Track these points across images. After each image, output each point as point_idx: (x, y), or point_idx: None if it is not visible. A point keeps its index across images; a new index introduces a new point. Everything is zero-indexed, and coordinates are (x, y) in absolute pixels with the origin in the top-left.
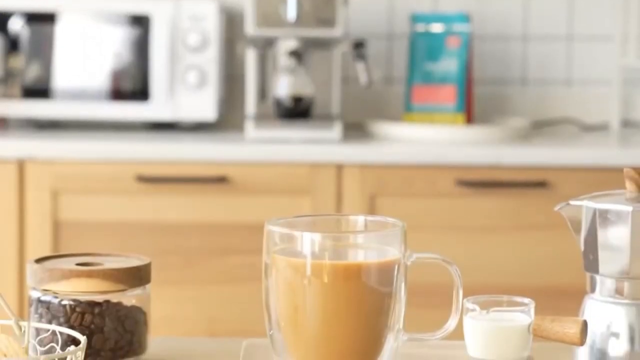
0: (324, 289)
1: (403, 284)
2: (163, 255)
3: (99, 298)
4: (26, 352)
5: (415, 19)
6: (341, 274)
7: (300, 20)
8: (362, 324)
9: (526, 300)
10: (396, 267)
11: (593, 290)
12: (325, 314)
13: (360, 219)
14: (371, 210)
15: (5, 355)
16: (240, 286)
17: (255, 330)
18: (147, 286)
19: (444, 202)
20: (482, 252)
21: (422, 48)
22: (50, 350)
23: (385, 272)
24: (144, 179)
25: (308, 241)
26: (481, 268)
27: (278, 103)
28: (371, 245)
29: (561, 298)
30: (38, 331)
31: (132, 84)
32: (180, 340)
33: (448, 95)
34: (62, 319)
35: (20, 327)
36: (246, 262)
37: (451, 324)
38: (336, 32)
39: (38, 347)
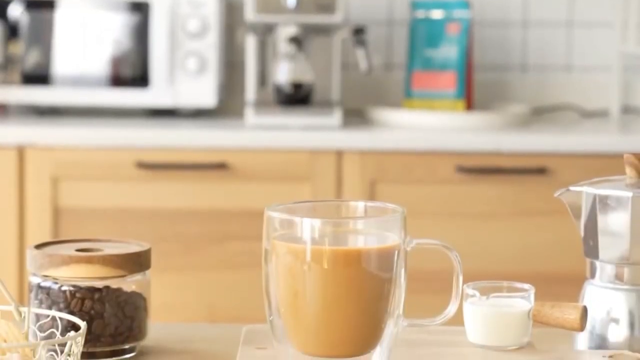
0: (324, 275)
1: (403, 270)
2: (163, 241)
3: (99, 284)
4: (26, 337)
5: (415, 5)
6: (341, 259)
7: (300, 7)
8: (362, 309)
9: (526, 286)
10: (396, 252)
11: (593, 276)
12: (325, 300)
13: (360, 205)
14: (371, 196)
15: (5, 341)
16: (240, 272)
17: (255, 317)
18: (147, 272)
19: (443, 189)
20: (482, 239)
21: (422, 34)
22: (50, 336)
23: (385, 257)
24: (144, 166)
25: (308, 227)
26: (481, 254)
27: (278, 89)
28: (371, 231)
29: (561, 284)
30: (38, 317)
31: (132, 71)
32: (180, 326)
33: (448, 81)
34: (62, 305)
35: (20, 313)
36: (246, 248)
37: (451, 309)
38: (336, 18)
39: (38, 332)
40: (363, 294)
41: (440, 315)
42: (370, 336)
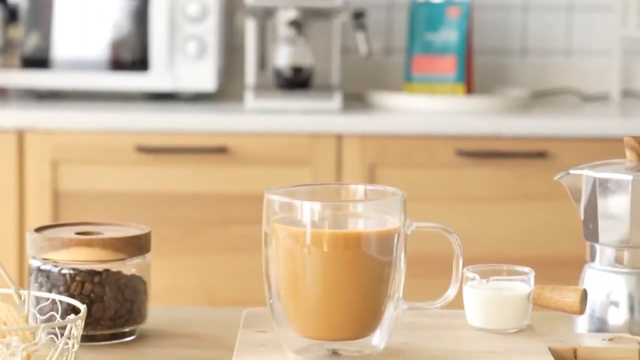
0: (324, 258)
1: (403, 253)
2: (163, 225)
3: (99, 267)
4: (26, 320)
5: None
6: (341, 242)
7: None
8: (361, 292)
9: (526, 269)
10: (396, 236)
11: (593, 259)
12: (325, 283)
13: (360, 188)
14: (371, 180)
15: (5, 324)
16: (240, 256)
17: (255, 300)
18: (147, 255)
19: (443, 173)
20: (482, 222)
21: (422, 18)
22: (50, 319)
23: (385, 241)
24: (144, 149)
25: (308, 210)
26: (481, 238)
27: (278, 73)
28: (371, 214)
29: (560, 268)
30: (38, 300)
31: (132, 54)
32: (180, 310)
33: (448, 65)
34: (62, 288)
35: (20, 296)
36: (246, 232)
37: (451, 292)
38: (336, 2)
39: (38, 315)
40: (363, 277)
41: (440, 298)
42: (370, 319)
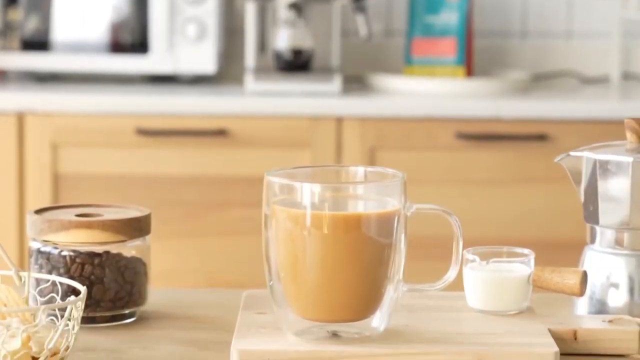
0: (324, 240)
1: (403, 235)
2: (163, 208)
3: (99, 249)
4: (26, 302)
5: None
6: (341, 224)
7: None
8: (361, 274)
9: (526, 251)
10: (396, 218)
11: (593, 241)
12: (325, 265)
13: (360, 170)
14: (371, 163)
15: (5, 305)
16: (240, 239)
17: (255, 283)
18: (147, 237)
19: (443, 155)
20: (482, 205)
21: (422, 0)
22: (51, 301)
23: (385, 223)
24: (144, 132)
25: (308, 192)
26: (481, 221)
27: (278, 56)
28: (371, 196)
29: (561, 250)
30: (38, 282)
31: (132, 37)
32: (180, 292)
33: (448, 48)
34: (62, 270)
35: (20, 278)
36: (246, 214)
37: (451, 274)
38: None
39: (38, 297)
40: (363, 259)
41: (440, 280)
42: (370, 301)
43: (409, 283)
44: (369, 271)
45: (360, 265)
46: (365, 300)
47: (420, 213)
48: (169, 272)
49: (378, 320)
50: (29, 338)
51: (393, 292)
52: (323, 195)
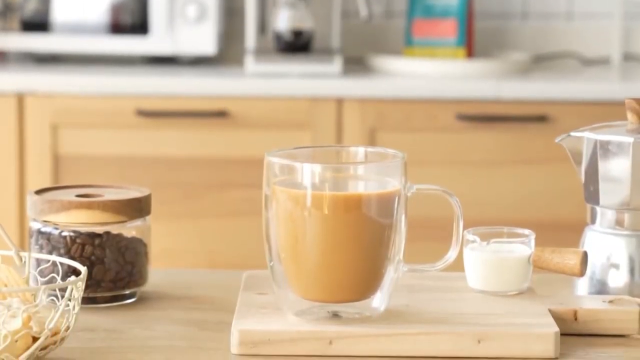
0: (324, 220)
1: (403, 216)
2: (163, 189)
3: (99, 229)
4: (27, 282)
5: None
6: (341, 205)
7: None
8: (362, 255)
9: (526, 231)
10: (396, 198)
11: (593, 221)
12: (325, 245)
13: (360, 150)
14: (371, 144)
15: (5, 286)
16: (240, 220)
17: (255, 264)
18: (147, 218)
19: (444, 137)
20: (482, 186)
21: None
22: (51, 281)
23: (386, 203)
24: (144, 113)
25: (308, 172)
26: (481, 202)
27: (278, 37)
28: (371, 176)
29: (561, 231)
30: (39, 262)
31: (132, 18)
32: (181, 272)
33: (449, 29)
34: (62, 250)
35: (20, 258)
36: (246, 196)
37: (451, 255)
38: None
39: (39, 277)
40: (363, 240)
41: (440, 260)
42: (370, 281)
43: (410, 264)
44: (369, 251)
45: (360, 245)
46: (366, 280)
47: (420, 194)
48: (170, 253)
49: (378, 301)
50: (29, 318)
51: (393, 273)
52: (323, 175)
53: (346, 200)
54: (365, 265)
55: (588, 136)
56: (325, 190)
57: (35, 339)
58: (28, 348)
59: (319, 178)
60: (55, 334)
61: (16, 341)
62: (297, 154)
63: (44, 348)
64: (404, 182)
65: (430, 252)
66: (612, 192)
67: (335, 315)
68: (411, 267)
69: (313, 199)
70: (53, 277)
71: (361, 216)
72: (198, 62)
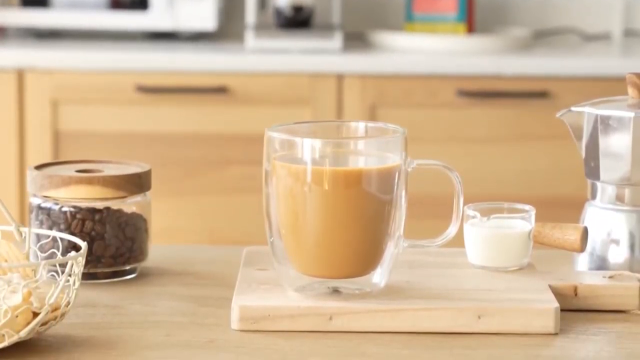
0: (325, 196)
1: (404, 191)
2: (163, 165)
3: (100, 205)
4: (27, 258)
5: None
6: (342, 180)
7: None
8: (362, 230)
9: (527, 207)
10: (397, 173)
11: (594, 197)
12: (325, 221)
13: (360, 125)
14: (372, 120)
15: (6, 261)
16: (241, 196)
17: (255, 241)
18: (148, 193)
19: (444, 113)
20: (483, 163)
21: None
22: (51, 256)
23: (386, 178)
24: (144, 89)
25: (308, 147)
26: (482, 178)
27: (278, 12)
28: (372, 151)
29: (562, 208)
30: (39, 237)
31: None
32: (181, 249)
33: (449, 4)
34: (62, 226)
35: (21, 233)
36: (246, 172)
37: (452, 230)
38: None
39: (39, 253)
40: (363, 215)
41: (440, 236)
42: (370, 257)
43: (410, 239)
44: (369, 227)
45: (361, 221)
46: (366, 256)
47: (421, 169)
48: (170, 230)
49: (379, 276)
50: (29, 293)
51: (394, 248)
52: (324, 150)
53: (346, 176)
54: (366, 240)
55: (588, 111)
56: (325, 166)
57: (35, 315)
58: (28, 323)
59: (319, 153)
60: (56, 309)
61: (17, 316)
62: (297, 129)
63: (44, 323)
64: (404, 157)
65: (430, 229)
66: (612, 168)
67: (336, 291)
68: (411, 242)
69: (313, 174)
70: (53, 253)
71: (361, 191)
72: (198, 37)
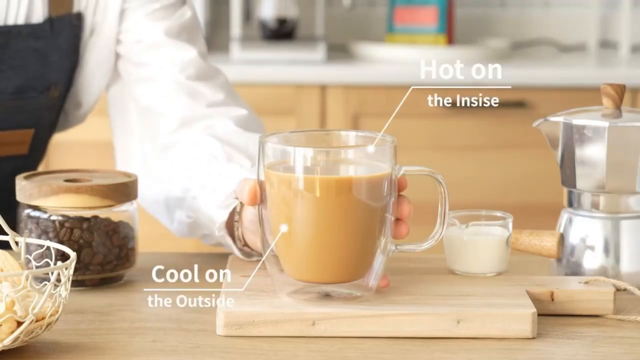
0: (316, 203)
1: (393, 198)
2: None
3: (88, 213)
4: (23, 267)
5: None
6: (333, 188)
7: None
8: (353, 236)
9: (504, 214)
10: (386, 181)
11: (570, 204)
12: (317, 228)
13: (351, 134)
14: (355, 129)
15: (1, 271)
16: None
17: None
18: (135, 202)
19: (424, 122)
20: (462, 171)
21: None
22: (46, 265)
23: (376, 186)
24: None
25: (300, 156)
26: (461, 186)
27: (263, 25)
28: (362, 160)
29: (539, 215)
30: (28, 246)
31: None
32: (168, 255)
33: (430, 16)
34: (51, 234)
35: (17, 243)
36: None
37: (438, 231)
38: None
39: (34, 262)
40: (354, 221)
41: (427, 239)
42: (361, 262)
43: (398, 243)
44: (360, 233)
45: (351, 227)
46: (357, 261)
47: (408, 175)
48: (157, 237)
49: (369, 281)
50: (12, 302)
51: (383, 254)
52: (315, 159)
53: (337, 184)
54: (356, 246)
55: (564, 121)
56: (316, 174)
57: (19, 324)
58: (12, 332)
59: (310, 161)
60: (42, 318)
61: (0, 325)
62: (290, 137)
63: (30, 332)
64: (393, 165)
65: (414, 235)
66: (587, 176)
67: (327, 296)
68: (400, 247)
69: (305, 182)
70: (47, 262)
71: (352, 199)
72: None
